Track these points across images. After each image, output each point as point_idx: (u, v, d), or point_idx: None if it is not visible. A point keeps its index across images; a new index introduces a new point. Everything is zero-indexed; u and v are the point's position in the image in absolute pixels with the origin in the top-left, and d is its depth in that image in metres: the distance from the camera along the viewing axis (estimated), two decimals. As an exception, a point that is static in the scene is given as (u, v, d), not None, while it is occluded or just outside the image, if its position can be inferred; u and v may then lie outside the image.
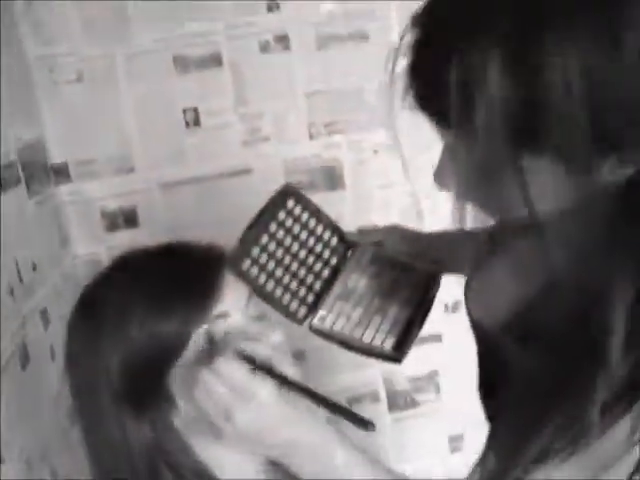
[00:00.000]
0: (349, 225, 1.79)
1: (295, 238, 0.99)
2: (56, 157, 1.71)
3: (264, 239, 0.95)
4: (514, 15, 0.56)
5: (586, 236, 0.70)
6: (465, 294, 0.95)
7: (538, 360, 0.72)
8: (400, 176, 1.76)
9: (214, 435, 0.71)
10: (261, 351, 0.73)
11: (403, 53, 0.64)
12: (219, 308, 0.76)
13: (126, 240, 1.75)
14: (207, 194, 1.77)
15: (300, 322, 0.97)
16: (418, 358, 1.96)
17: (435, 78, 0.59)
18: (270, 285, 0.95)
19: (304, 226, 1.00)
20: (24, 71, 1.64)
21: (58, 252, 1.64)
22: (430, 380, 2.01)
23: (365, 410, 2.01)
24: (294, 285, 0.98)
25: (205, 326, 0.75)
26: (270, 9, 1.72)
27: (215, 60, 1.72)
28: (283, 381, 0.72)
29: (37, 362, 1.31)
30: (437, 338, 1.92)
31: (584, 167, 0.61)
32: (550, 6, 0.55)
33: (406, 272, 1.03)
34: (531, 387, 0.74)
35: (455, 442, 2.05)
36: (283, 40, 1.73)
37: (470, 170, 0.63)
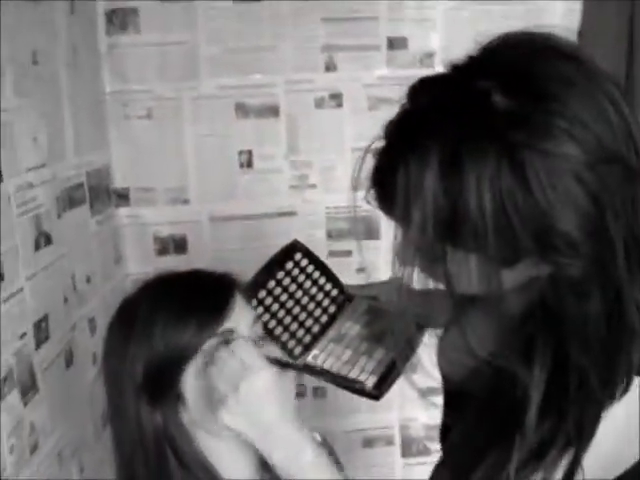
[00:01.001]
0: (382, 272, 1.87)
1: (299, 286, 1.12)
2: (119, 182, 1.86)
3: (271, 284, 1.09)
4: (442, 141, 0.68)
5: (501, 323, 0.83)
6: (437, 346, 1.06)
7: (467, 423, 0.84)
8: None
9: (212, 429, 0.87)
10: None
11: (372, 155, 0.77)
12: (228, 325, 0.90)
13: (174, 265, 1.82)
14: (252, 231, 1.89)
15: (295, 358, 1.08)
16: (435, 407, 2.02)
17: (387, 182, 0.73)
18: (272, 323, 1.08)
19: (308, 276, 1.13)
20: (100, 104, 1.80)
21: (111, 268, 1.77)
22: (444, 430, 2.06)
23: (378, 453, 2.09)
24: (294, 326, 1.10)
25: (215, 339, 0.88)
26: (328, 69, 1.86)
27: (273, 110, 1.86)
28: (287, 365, 0.89)
29: (80, 364, 1.43)
30: (454, 390, 1.99)
31: (497, 263, 0.72)
32: (467, 135, 0.67)
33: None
34: (460, 444, 0.87)
35: (463, 494, 2.10)
36: (337, 98, 1.87)
37: (414, 251, 0.76)
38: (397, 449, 2.10)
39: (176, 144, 1.86)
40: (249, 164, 1.88)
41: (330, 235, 1.93)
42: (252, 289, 1.05)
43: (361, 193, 0.80)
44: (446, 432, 1.07)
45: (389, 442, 2.09)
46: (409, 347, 1.07)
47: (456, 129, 0.68)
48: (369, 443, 2.08)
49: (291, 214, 1.92)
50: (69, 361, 1.39)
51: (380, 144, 0.76)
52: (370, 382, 1.02)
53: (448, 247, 0.73)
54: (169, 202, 1.89)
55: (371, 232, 1.91)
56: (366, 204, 0.81)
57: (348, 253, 1.90)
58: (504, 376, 0.76)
